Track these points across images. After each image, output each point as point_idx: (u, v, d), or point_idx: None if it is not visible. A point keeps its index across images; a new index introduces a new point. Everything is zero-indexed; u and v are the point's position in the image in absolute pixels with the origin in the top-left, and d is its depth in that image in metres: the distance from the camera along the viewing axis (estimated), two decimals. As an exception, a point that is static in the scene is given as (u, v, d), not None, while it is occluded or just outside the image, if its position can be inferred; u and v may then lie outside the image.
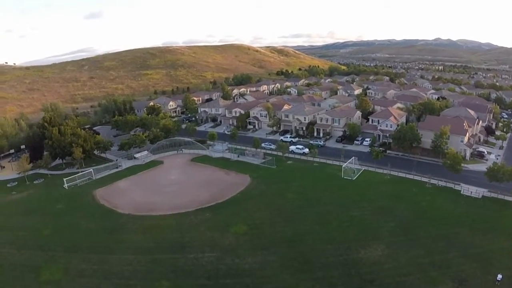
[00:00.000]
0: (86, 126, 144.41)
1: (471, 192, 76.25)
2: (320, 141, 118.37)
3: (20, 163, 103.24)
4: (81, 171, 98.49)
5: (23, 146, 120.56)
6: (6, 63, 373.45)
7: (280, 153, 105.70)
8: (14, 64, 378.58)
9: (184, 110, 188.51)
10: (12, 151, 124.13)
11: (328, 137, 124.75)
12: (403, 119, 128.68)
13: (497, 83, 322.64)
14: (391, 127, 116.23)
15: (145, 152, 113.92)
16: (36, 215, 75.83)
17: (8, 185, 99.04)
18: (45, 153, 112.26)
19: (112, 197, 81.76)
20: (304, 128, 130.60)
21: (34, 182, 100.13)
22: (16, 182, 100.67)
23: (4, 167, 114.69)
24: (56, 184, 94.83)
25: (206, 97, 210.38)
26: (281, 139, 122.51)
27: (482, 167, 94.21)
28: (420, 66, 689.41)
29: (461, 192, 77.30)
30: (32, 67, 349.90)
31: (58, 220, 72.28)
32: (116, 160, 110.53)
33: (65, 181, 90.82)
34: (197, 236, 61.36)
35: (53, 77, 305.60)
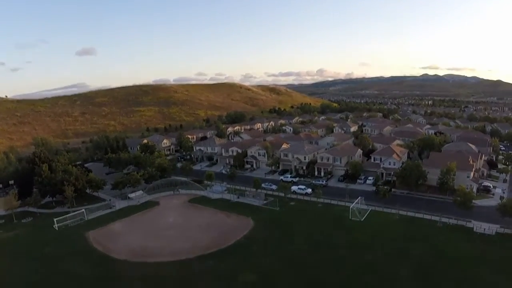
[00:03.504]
0: (78, 163, 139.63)
1: (484, 229, 73.97)
2: (322, 181, 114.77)
3: (8, 199, 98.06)
4: (73, 211, 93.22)
5: (11, 181, 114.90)
6: None
7: (281, 194, 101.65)
8: (6, 96, 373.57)
9: (179, 148, 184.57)
10: (0, 186, 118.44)
11: (329, 176, 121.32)
12: (405, 156, 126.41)
13: (490, 115, 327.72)
14: (394, 164, 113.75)
15: (140, 192, 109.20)
16: (23, 258, 70.17)
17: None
18: (34, 190, 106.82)
19: (106, 241, 76.18)
20: (305, 168, 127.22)
21: (22, 220, 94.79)
22: (3, 220, 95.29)
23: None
24: (45, 224, 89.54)
25: (200, 135, 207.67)
26: (282, 179, 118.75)
27: (489, 202, 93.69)
28: (410, 101, 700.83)
29: (474, 230, 74.71)
30: (24, 100, 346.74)
31: (48, 265, 66.42)
32: (110, 200, 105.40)
33: (55, 221, 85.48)
34: (202, 287, 55.88)
35: (45, 111, 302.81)
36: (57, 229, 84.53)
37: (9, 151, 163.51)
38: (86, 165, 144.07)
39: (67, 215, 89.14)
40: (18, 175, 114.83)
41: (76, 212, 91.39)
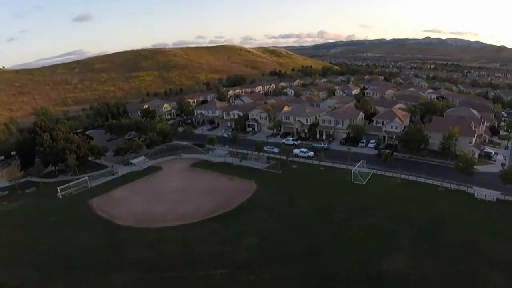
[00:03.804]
0: (79, 131, 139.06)
1: (485, 195, 73.64)
2: (324, 144, 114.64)
3: (10, 170, 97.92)
4: (76, 179, 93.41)
5: (13, 152, 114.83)
6: None
7: (283, 157, 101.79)
8: (4, 67, 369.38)
9: (179, 112, 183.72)
10: (1, 157, 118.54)
11: (331, 139, 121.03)
12: (407, 120, 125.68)
13: (492, 82, 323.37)
14: (396, 128, 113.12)
15: (142, 158, 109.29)
16: (29, 228, 70.70)
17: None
18: (36, 159, 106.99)
19: (110, 207, 76.86)
20: (306, 130, 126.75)
21: (26, 191, 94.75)
22: (7, 191, 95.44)
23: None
24: (49, 193, 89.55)
25: (201, 98, 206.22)
26: (283, 142, 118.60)
27: (491, 168, 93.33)
28: (412, 65, 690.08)
29: (475, 196, 74.53)
30: (22, 70, 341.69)
31: (53, 233, 67.19)
32: (112, 166, 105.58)
33: (58, 190, 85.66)
34: (206, 250, 56.59)
35: (44, 80, 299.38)
36: (61, 197, 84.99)
37: (9, 122, 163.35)
38: (87, 132, 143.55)
39: (70, 183, 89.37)
40: (20, 146, 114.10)
41: (79, 180, 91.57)
